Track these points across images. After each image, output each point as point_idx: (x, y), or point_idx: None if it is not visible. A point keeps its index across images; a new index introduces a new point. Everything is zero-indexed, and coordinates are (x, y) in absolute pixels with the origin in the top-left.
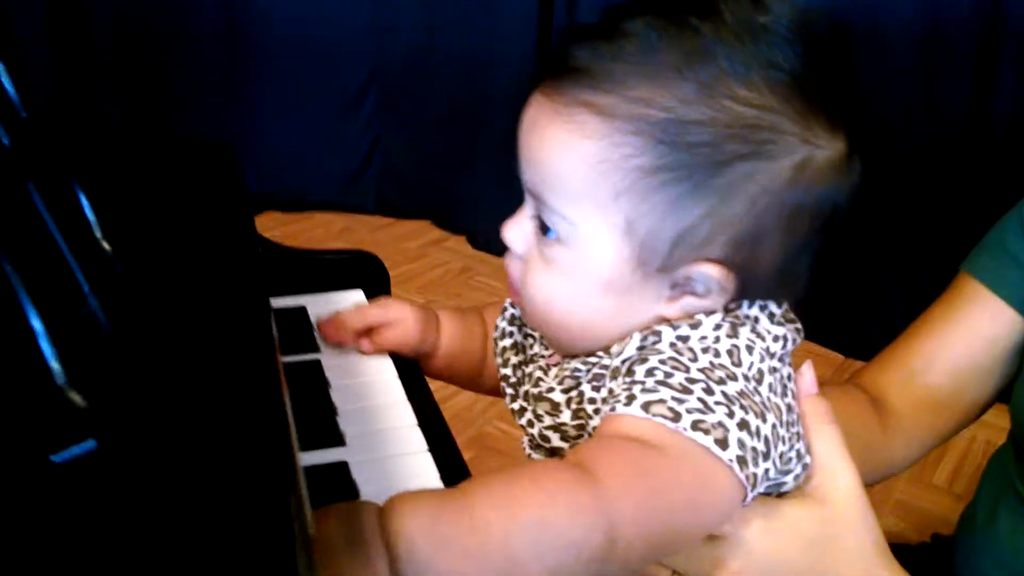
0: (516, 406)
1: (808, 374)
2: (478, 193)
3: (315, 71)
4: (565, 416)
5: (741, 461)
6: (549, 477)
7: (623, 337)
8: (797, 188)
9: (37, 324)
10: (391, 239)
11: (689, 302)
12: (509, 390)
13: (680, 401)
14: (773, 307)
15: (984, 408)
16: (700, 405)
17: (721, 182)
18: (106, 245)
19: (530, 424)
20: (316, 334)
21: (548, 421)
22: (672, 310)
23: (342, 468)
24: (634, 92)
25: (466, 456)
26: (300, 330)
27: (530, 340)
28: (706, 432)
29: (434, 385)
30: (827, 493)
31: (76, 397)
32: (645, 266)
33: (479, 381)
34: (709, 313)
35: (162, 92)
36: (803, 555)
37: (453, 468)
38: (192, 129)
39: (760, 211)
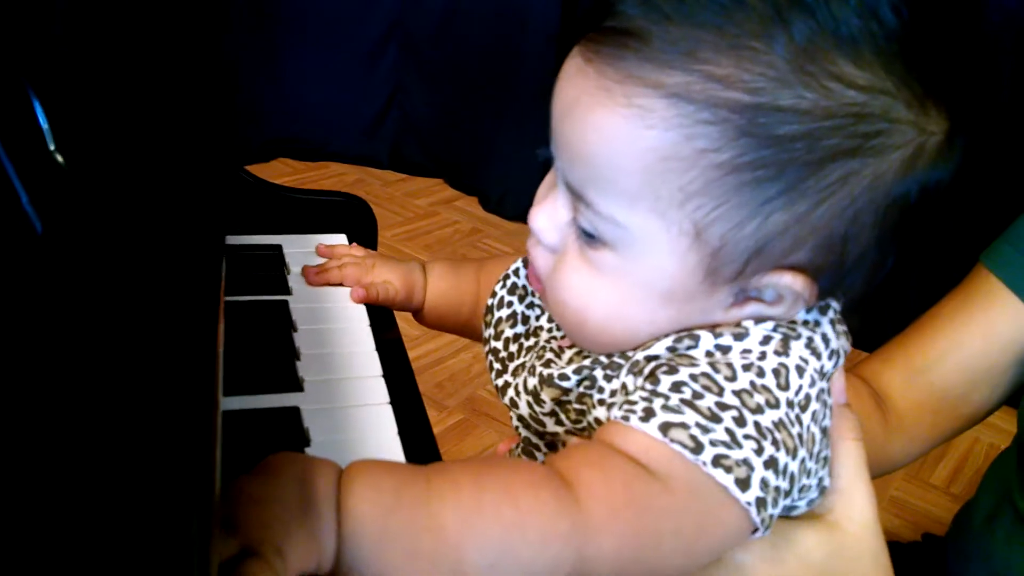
0: (501, 382)
1: (838, 382)
2: (494, 155)
3: (338, 18)
4: (570, 396)
5: (760, 503)
6: (526, 491)
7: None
8: (904, 182)
9: None
10: (403, 195)
11: (754, 310)
12: (497, 364)
13: (705, 430)
14: (835, 304)
15: (990, 411)
16: (727, 437)
17: (817, 184)
18: (59, 157)
19: (513, 404)
20: (288, 275)
21: (549, 407)
22: (730, 317)
23: (293, 413)
24: (711, 67)
25: (455, 419)
26: (272, 269)
27: (535, 311)
28: (728, 470)
29: (431, 346)
30: (841, 520)
31: None
32: (714, 276)
33: (469, 332)
34: (759, 320)
35: None
36: None
37: (414, 424)
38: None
39: (859, 210)
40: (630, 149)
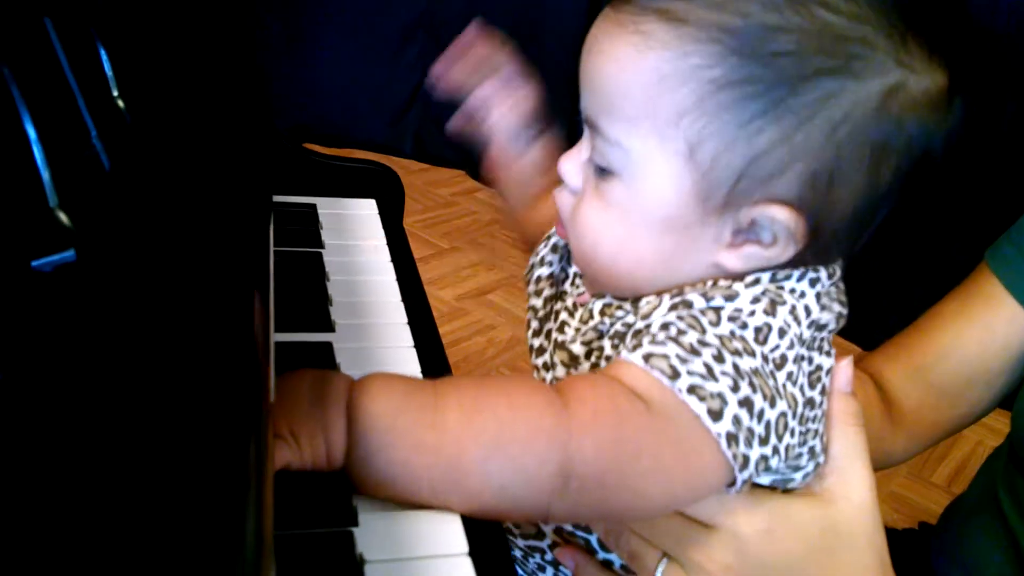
0: (536, 343)
1: (845, 371)
2: None
3: (365, 8)
4: (583, 368)
5: (731, 438)
6: (522, 395)
7: (670, 287)
8: (885, 118)
9: (38, 152)
10: (424, 184)
11: (752, 251)
12: (534, 323)
13: (683, 360)
14: (824, 279)
15: (987, 410)
16: (703, 370)
17: (800, 101)
18: (121, 103)
19: (547, 367)
20: (321, 230)
21: (561, 372)
22: (732, 259)
23: (326, 347)
24: None
25: None
26: (307, 224)
27: (565, 273)
28: (701, 399)
29: (447, 328)
30: (837, 499)
31: (64, 218)
32: (706, 201)
33: (523, 221)
34: (750, 284)
35: None
36: (799, 560)
37: (436, 366)
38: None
39: (841, 141)
40: (634, 70)
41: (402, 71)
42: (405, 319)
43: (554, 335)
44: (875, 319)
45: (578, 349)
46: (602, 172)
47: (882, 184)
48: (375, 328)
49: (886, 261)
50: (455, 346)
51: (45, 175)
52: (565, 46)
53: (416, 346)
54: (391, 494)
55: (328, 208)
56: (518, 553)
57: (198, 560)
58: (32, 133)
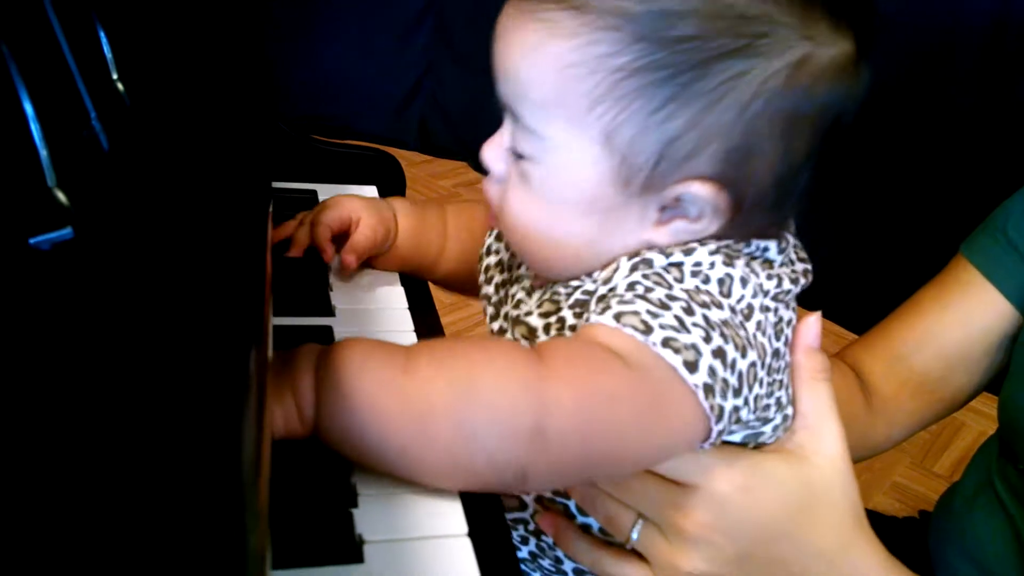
0: (496, 327)
1: (814, 327)
2: None
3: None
4: (543, 340)
5: (708, 389)
6: (498, 346)
7: (606, 263)
8: (794, 91)
9: (36, 131)
10: (426, 175)
11: (680, 227)
12: (490, 309)
13: (654, 315)
14: (773, 252)
15: (970, 397)
16: (675, 323)
17: (708, 84)
18: (120, 86)
19: None
20: None
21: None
22: (661, 235)
23: (327, 331)
24: None
25: None
26: (308, 211)
27: (517, 260)
28: (676, 351)
29: (450, 319)
30: (809, 453)
31: (62, 196)
32: (627, 185)
33: (432, 274)
34: (704, 241)
35: None
36: (777, 516)
37: None
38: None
39: (753, 118)
40: (540, 59)
41: (406, 64)
42: (406, 304)
43: (511, 313)
44: (862, 307)
45: (536, 321)
46: (523, 158)
47: (798, 152)
48: (376, 313)
49: (881, 251)
50: (444, 323)
51: (43, 154)
52: None
53: (417, 331)
54: (360, 453)
55: (329, 194)
56: None
57: (189, 535)
58: (30, 111)
